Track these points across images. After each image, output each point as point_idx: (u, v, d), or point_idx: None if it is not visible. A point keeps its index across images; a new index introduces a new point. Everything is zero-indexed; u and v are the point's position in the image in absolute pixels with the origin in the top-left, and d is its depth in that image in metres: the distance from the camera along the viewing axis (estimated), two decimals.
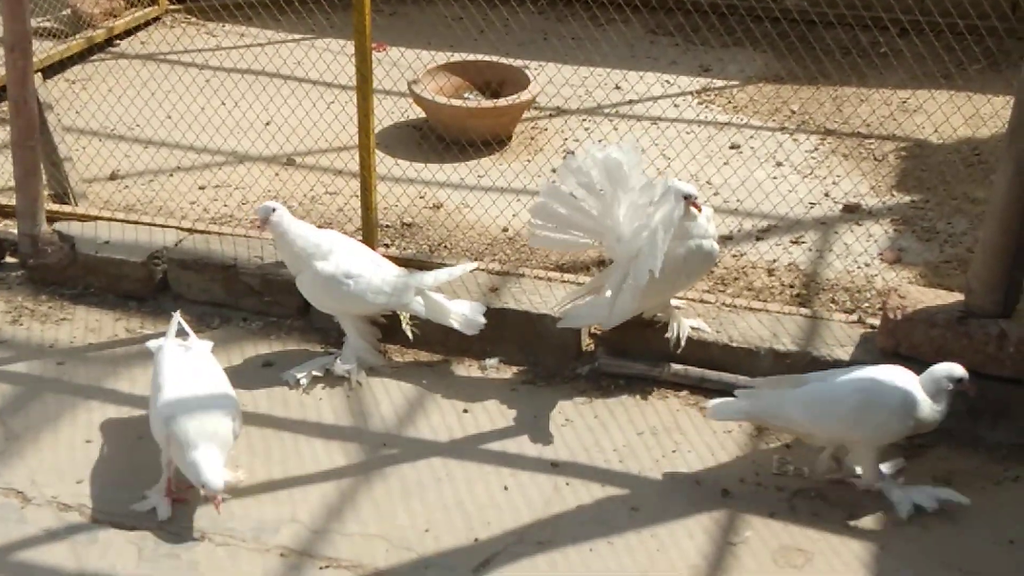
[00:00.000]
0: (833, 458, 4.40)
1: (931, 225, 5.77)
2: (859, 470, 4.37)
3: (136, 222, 5.74)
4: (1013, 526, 4.18)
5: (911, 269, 5.44)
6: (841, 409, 4.20)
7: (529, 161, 6.46)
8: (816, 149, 6.52)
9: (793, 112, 6.92)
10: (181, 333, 4.69)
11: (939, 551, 4.09)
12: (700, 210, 4.77)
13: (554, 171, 6.08)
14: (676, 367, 4.89)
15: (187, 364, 4.47)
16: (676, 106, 7.01)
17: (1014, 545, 4.11)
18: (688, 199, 4.67)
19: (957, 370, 4.18)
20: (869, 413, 4.18)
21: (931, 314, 4.60)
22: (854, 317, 5.00)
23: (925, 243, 5.64)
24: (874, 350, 4.72)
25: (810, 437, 4.38)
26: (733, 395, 4.44)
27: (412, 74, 6.78)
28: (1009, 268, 4.50)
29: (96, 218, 5.78)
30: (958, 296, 4.69)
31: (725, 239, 5.67)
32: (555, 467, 4.51)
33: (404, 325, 5.09)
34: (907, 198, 6.01)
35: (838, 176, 6.22)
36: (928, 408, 4.17)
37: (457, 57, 7.12)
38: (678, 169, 6.15)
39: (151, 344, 4.72)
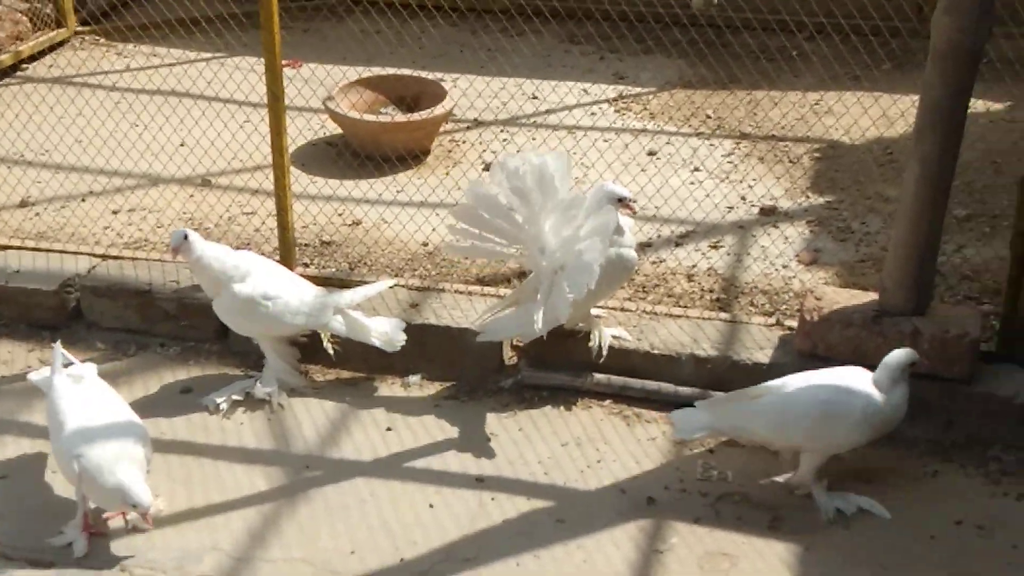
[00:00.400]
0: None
1: (846, 225, 5.85)
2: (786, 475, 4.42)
3: (48, 250, 5.63)
4: (933, 521, 4.24)
5: (828, 269, 5.51)
6: (804, 422, 4.23)
7: (447, 174, 6.43)
8: (731, 153, 6.58)
9: (708, 117, 6.98)
10: (67, 364, 4.57)
11: (863, 549, 4.14)
12: (635, 212, 4.82)
13: (486, 170, 6.09)
14: (599, 376, 4.90)
15: (82, 395, 4.36)
16: (592, 114, 7.03)
17: (935, 540, 4.17)
18: (623, 201, 4.70)
19: (908, 355, 4.23)
20: (831, 425, 4.22)
21: (847, 314, 4.66)
22: (772, 320, 5.05)
23: (840, 243, 5.71)
24: (792, 352, 4.77)
25: (772, 446, 4.42)
26: (692, 406, 4.48)
27: (326, 90, 6.73)
28: (920, 266, 4.58)
29: (6, 247, 5.66)
30: (873, 295, 4.76)
31: (644, 246, 5.69)
32: (480, 482, 4.49)
33: (325, 343, 5.05)
34: (822, 199, 6.09)
35: (754, 180, 6.27)
36: (888, 409, 4.21)
37: (372, 72, 7.08)
38: (594, 178, 6.17)
39: (34, 377, 4.61)
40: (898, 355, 4.24)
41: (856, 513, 4.28)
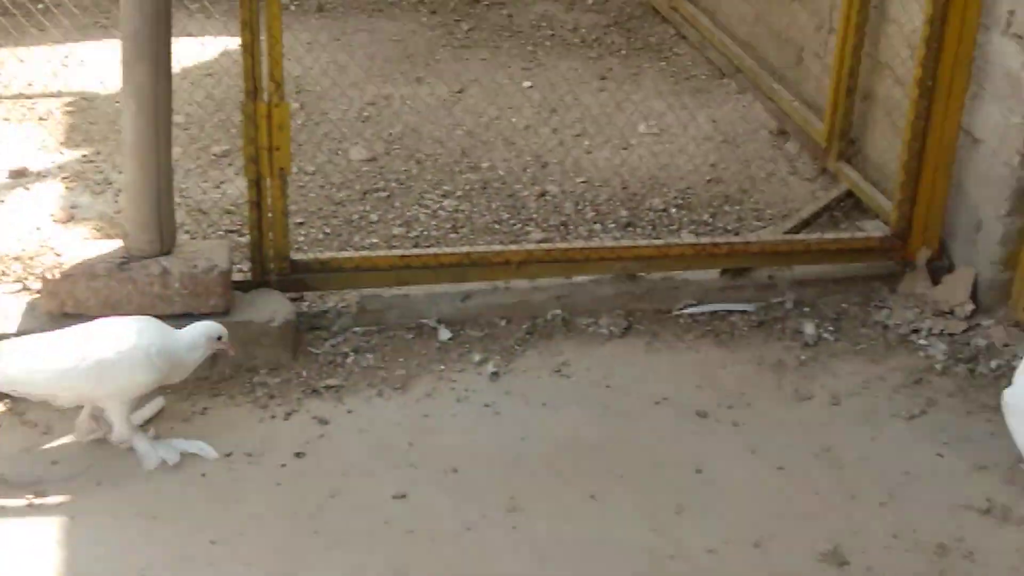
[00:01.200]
0: (92, 418, 4.11)
1: (104, 177, 5.60)
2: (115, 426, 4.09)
3: None
4: (230, 461, 4.12)
5: (87, 224, 5.23)
6: (83, 366, 3.91)
7: None
8: None
9: None
10: None
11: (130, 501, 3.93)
12: None
13: None
14: None
15: None
16: None
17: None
18: None
19: (213, 329, 4.13)
20: (112, 368, 3.94)
21: (91, 266, 4.40)
22: (18, 286, 4.67)
23: (99, 196, 5.46)
24: (41, 315, 4.43)
25: (57, 399, 4.03)
26: None
27: None
28: (156, 204, 4.41)
29: None
30: (120, 243, 4.54)
31: None
32: None
33: None
34: (77, 153, 5.78)
35: (1, 143, 5.80)
36: (177, 359, 4.05)
37: None
38: None
39: None
40: (206, 325, 4.15)
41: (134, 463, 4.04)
